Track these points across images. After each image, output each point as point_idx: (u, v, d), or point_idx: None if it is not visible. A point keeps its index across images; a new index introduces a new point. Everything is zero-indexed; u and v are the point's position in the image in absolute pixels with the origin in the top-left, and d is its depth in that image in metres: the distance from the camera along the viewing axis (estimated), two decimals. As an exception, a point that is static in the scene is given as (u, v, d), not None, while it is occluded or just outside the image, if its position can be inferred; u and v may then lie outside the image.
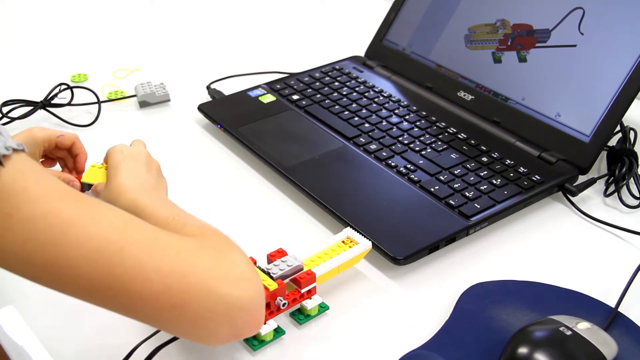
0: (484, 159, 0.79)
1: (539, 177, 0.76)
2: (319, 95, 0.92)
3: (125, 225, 0.47)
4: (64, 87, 0.93)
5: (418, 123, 0.86)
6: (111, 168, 0.67)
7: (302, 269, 0.61)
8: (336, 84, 0.95)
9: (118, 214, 0.48)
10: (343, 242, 0.66)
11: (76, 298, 0.46)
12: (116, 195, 0.63)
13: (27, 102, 0.91)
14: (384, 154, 0.80)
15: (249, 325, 0.50)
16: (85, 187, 0.74)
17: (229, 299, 0.47)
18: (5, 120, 0.89)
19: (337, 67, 1.00)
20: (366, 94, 0.92)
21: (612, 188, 0.78)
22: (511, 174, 0.77)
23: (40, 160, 0.76)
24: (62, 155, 0.76)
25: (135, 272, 0.45)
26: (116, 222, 0.46)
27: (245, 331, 0.50)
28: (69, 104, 0.93)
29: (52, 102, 0.92)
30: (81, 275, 0.44)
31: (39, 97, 0.91)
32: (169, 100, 0.96)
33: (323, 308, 0.62)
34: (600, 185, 0.79)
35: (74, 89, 0.94)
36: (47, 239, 0.43)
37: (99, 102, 0.93)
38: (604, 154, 0.82)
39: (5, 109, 0.90)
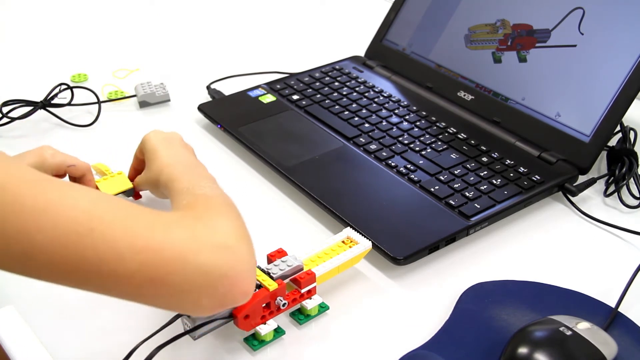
0: (484, 159, 0.79)
1: (539, 177, 0.76)
2: (319, 95, 0.92)
3: (94, 205, 0.46)
4: (64, 87, 0.93)
5: (418, 123, 0.86)
6: (149, 152, 0.68)
7: (302, 269, 0.61)
8: (336, 84, 0.95)
9: (86, 195, 0.47)
10: (343, 242, 0.66)
11: (52, 283, 0.46)
12: (158, 173, 0.65)
13: (27, 102, 0.91)
14: (384, 154, 0.80)
15: (233, 294, 0.48)
16: None
17: (207, 269, 0.46)
18: (5, 120, 0.89)
19: (337, 67, 1.00)
20: (366, 94, 0.93)
21: (612, 188, 0.78)
22: (511, 174, 0.77)
23: None
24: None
25: (107, 252, 0.44)
26: (83, 204, 0.45)
27: (229, 300, 0.49)
28: (69, 104, 0.93)
29: (52, 102, 0.92)
30: (53, 261, 0.44)
31: (39, 97, 0.91)
32: (169, 100, 0.96)
33: (323, 308, 0.62)
34: (600, 185, 0.79)
35: (74, 89, 0.94)
36: (17, 228, 0.43)
37: (99, 102, 0.93)
38: (604, 154, 0.82)
39: (5, 109, 0.90)
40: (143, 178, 0.70)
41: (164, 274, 0.46)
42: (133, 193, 0.74)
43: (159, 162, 0.66)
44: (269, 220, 0.75)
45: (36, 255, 0.44)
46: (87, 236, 0.44)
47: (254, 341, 0.59)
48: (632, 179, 0.79)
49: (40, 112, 0.91)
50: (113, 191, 0.73)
